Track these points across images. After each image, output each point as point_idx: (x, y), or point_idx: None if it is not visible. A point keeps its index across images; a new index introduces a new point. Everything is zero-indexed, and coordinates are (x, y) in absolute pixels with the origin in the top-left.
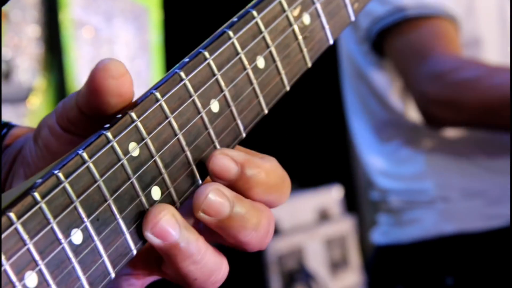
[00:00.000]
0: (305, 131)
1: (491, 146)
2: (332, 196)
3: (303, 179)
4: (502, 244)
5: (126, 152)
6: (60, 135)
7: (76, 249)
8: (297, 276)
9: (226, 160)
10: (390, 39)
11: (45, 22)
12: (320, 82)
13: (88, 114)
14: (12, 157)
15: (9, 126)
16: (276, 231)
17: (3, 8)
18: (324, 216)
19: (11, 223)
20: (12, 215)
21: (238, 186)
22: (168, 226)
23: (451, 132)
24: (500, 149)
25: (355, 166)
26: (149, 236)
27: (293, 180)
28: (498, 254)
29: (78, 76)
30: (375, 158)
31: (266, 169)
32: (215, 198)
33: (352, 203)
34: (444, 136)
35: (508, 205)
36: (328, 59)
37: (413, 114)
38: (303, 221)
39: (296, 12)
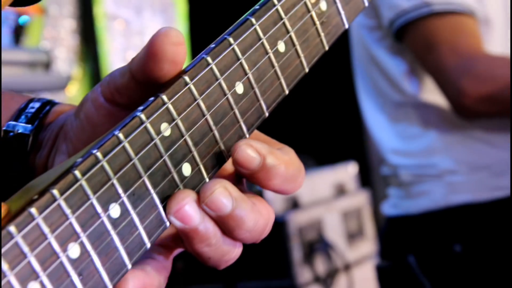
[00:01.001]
0: (322, 114)
1: (494, 124)
2: (348, 172)
3: (321, 157)
4: (507, 213)
5: (158, 132)
6: (102, 107)
7: (114, 222)
8: (317, 246)
9: (250, 151)
10: (415, 33)
11: (81, 16)
12: (334, 66)
13: (139, 79)
14: (54, 133)
15: (52, 103)
16: (297, 205)
17: (41, 3)
18: (340, 191)
19: (55, 199)
20: (55, 191)
21: (258, 176)
22: (191, 211)
23: (475, 117)
24: (502, 127)
25: (368, 144)
26: (172, 219)
27: (312, 158)
28: (503, 223)
29: (111, 65)
30: (386, 137)
31: (286, 162)
32: (219, 196)
33: (366, 178)
34: (452, 116)
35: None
36: (341, 43)
37: (425, 96)
38: (321, 195)
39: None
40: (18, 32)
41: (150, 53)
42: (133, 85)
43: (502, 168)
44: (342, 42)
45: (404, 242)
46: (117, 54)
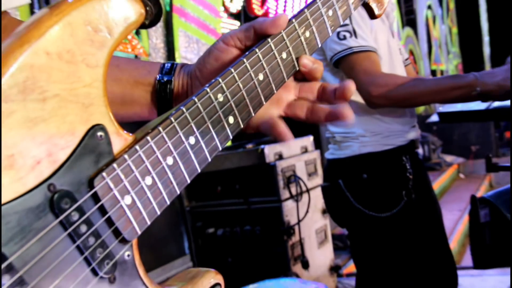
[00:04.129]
0: None
1: (385, 110)
2: (309, 140)
3: (295, 133)
4: (391, 157)
5: (216, 98)
6: (226, 50)
7: (192, 147)
8: (291, 179)
9: (307, 60)
10: (344, 63)
11: (167, 58)
12: None
13: (258, 33)
14: (186, 79)
15: (175, 63)
16: (281, 157)
17: (146, 50)
18: (305, 150)
19: (160, 132)
20: (160, 128)
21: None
22: (308, 61)
23: (364, 105)
24: (389, 111)
25: (320, 126)
26: (302, 68)
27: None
28: (388, 162)
29: None
30: None
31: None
32: (306, 61)
33: (318, 144)
34: (363, 106)
35: (394, 139)
36: None
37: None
38: (294, 152)
39: (301, 31)
40: None
41: (274, 23)
42: (251, 36)
43: (388, 134)
44: None
45: (336, 173)
46: None
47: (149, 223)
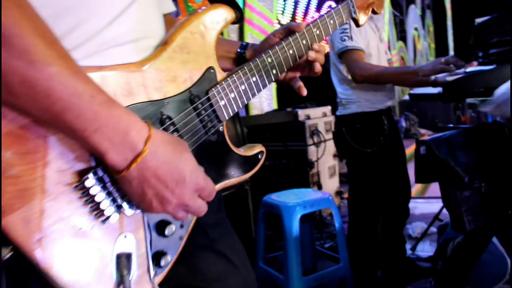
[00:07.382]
0: (319, 84)
1: (373, 86)
2: (328, 108)
3: (318, 102)
4: (375, 116)
5: (267, 59)
6: (274, 39)
7: (254, 82)
8: (314, 132)
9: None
10: (343, 56)
11: None
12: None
13: (290, 30)
14: (252, 52)
15: (247, 43)
16: (309, 118)
17: None
18: (324, 115)
19: (239, 73)
20: (239, 71)
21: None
22: (317, 46)
23: (360, 83)
24: (375, 87)
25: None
26: (315, 47)
27: (314, 103)
28: (374, 118)
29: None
30: (338, 89)
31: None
32: (316, 46)
33: (334, 111)
34: (357, 84)
35: (378, 104)
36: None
37: (350, 76)
38: (318, 115)
39: (314, 30)
40: None
41: (298, 25)
42: (287, 32)
43: (375, 101)
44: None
45: (341, 123)
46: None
47: (232, 114)
